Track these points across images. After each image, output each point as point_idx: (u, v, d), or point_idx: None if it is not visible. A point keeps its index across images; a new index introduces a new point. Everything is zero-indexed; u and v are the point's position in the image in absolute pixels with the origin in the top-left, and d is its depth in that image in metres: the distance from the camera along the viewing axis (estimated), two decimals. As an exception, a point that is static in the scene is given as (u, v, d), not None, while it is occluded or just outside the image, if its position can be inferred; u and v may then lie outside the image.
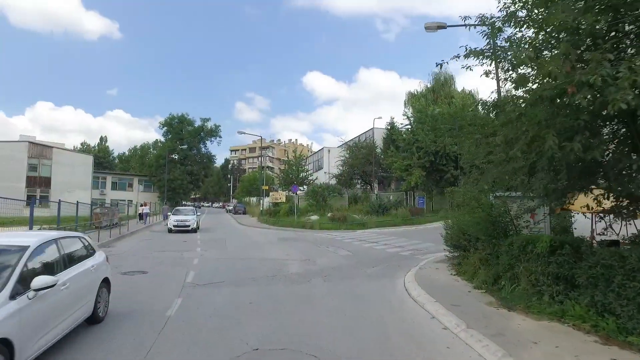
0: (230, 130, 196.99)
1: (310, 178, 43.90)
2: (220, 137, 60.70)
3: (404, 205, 29.45)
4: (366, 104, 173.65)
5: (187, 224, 22.62)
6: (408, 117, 34.01)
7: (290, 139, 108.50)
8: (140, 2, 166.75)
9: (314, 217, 27.87)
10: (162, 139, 56.13)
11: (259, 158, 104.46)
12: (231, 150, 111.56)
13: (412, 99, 43.69)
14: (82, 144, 76.06)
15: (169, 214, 26.48)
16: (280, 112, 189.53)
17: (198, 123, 58.58)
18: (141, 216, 30.20)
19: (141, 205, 31.54)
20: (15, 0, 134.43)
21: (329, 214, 27.72)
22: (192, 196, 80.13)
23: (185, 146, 54.31)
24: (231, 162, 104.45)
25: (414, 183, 29.01)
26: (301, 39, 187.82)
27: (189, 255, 13.30)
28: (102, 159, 66.49)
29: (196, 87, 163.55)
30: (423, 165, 29.25)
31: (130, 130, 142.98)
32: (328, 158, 47.60)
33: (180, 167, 54.31)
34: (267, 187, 36.40)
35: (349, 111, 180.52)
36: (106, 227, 19.54)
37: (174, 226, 22.61)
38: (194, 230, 22.72)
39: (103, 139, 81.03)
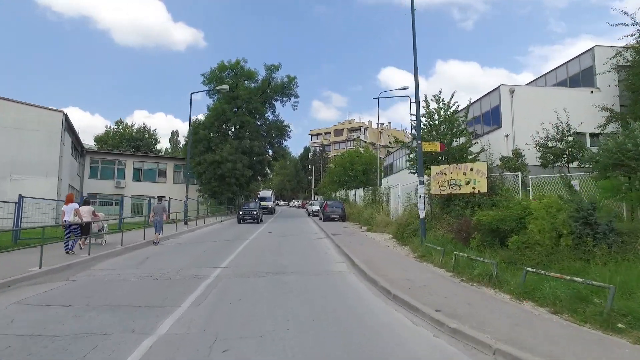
0: (308, 128, 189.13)
1: (469, 147, 19.59)
2: (296, 96, 38.32)
3: None
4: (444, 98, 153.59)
5: None
6: None
7: (382, 123, 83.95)
8: (221, 9, 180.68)
9: None
10: (210, 102, 35.83)
11: (347, 143, 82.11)
12: (311, 135, 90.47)
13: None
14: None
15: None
16: (356, 109, 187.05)
17: (262, 75, 36.74)
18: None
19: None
20: (119, 21, 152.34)
21: None
22: (265, 190, 59.14)
23: (231, 91, 31.40)
24: (312, 149, 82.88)
25: None
26: (374, 34, 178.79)
27: None
28: (140, 143, 49.26)
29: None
30: None
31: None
32: (510, 106, 22.40)
33: (233, 142, 32.58)
34: (437, 147, 12.97)
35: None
36: None
37: None
38: None
39: (174, 133, 72.26)
